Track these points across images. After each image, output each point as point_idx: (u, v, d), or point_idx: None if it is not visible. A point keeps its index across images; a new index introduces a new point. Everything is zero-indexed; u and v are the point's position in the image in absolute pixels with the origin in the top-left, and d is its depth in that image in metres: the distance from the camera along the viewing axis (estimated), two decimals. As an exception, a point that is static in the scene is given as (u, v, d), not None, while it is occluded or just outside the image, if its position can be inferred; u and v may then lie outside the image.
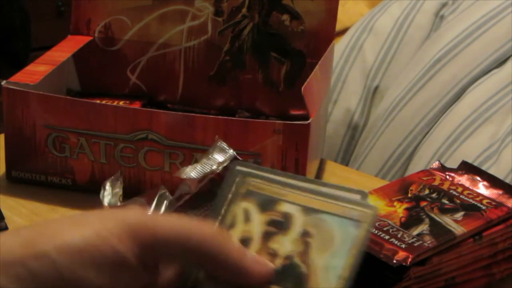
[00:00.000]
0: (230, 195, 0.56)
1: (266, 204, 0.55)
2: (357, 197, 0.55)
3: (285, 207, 0.54)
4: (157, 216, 0.51)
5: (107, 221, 0.48)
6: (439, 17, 1.47)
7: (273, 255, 0.53)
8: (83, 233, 0.47)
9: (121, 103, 0.99)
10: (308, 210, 0.54)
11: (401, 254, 0.65)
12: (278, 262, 0.52)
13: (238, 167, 0.57)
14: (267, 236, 0.53)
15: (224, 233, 0.52)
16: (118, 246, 0.47)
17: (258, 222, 0.54)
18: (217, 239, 0.50)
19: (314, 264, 0.52)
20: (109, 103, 0.95)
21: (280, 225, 0.54)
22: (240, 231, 0.54)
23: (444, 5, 1.48)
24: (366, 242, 0.53)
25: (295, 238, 0.53)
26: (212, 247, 0.49)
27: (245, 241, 0.53)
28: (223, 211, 0.55)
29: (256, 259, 0.52)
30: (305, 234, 0.53)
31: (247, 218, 0.54)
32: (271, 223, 0.54)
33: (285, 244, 0.53)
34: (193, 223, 0.50)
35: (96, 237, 0.47)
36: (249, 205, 0.55)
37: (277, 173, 0.56)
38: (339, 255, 0.52)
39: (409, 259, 0.64)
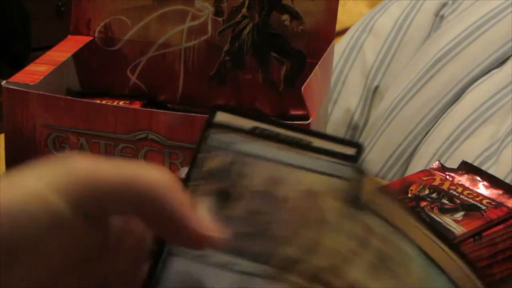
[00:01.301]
0: None
1: None
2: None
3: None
4: (100, 161, 0.45)
5: (43, 176, 0.45)
6: (439, 17, 1.47)
7: None
8: (19, 196, 0.45)
9: (121, 103, 0.98)
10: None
11: (401, 254, 0.65)
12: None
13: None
14: None
15: (175, 183, 0.45)
16: (52, 199, 0.44)
17: None
18: (165, 187, 0.45)
19: None
20: (109, 103, 0.94)
21: None
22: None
23: (444, 5, 1.48)
24: None
25: None
26: (158, 194, 0.44)
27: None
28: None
29: (207, 224, 0.45)
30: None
31: None
32: None
33: None
34: (141, 169, 0.45)
35: (30, 197, 0.45)
36: None
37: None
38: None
39: (409, 259, 0.64)
